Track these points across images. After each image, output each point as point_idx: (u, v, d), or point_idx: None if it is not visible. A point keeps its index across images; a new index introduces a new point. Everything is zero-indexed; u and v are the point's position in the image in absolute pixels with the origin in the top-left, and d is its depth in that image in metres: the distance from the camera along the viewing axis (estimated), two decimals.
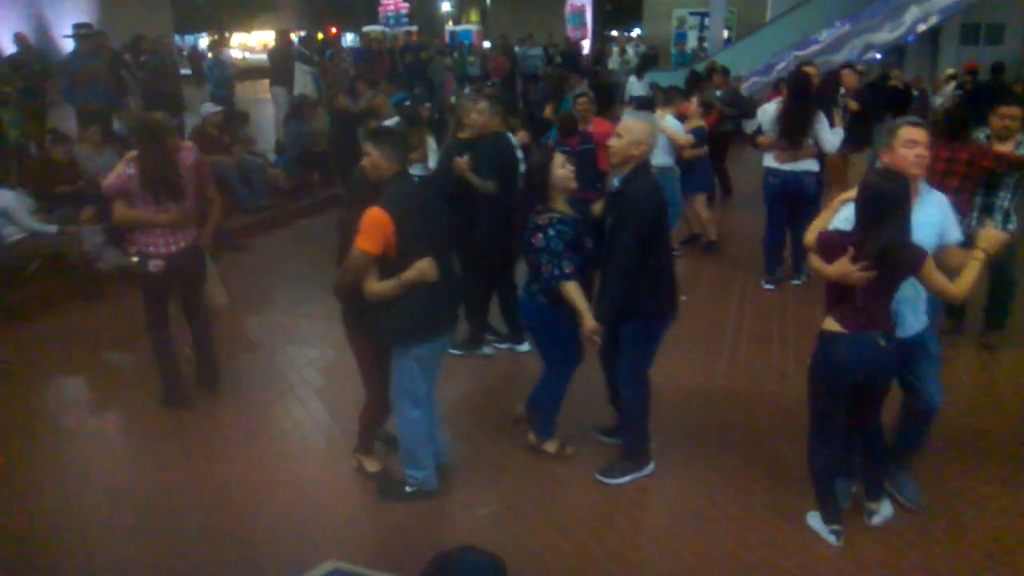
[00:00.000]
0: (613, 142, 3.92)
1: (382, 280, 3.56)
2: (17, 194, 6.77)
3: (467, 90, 15.07)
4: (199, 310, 5.12)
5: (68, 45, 10.51)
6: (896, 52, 16.86)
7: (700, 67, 15.14)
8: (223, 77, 12.76)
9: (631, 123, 3.91)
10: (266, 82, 14.82)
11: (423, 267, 3.55)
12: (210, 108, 9.33)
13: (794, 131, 6.59)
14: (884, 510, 3.77)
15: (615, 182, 3.97)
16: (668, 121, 7.45)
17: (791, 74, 7.56)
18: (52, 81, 10.47)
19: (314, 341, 6.04)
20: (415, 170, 6.66)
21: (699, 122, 7.94)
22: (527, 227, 3.98)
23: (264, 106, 15.05)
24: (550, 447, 4.39)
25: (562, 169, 3.93)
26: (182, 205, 4.68)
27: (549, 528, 3.82)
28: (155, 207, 4.59)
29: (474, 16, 31.82)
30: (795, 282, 7.16)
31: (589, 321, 3.80)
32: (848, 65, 9.30)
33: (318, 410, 5.03)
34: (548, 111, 9.89)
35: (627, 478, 4.16)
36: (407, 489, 4.00)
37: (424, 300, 3.61)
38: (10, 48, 11.54)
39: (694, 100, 8.32)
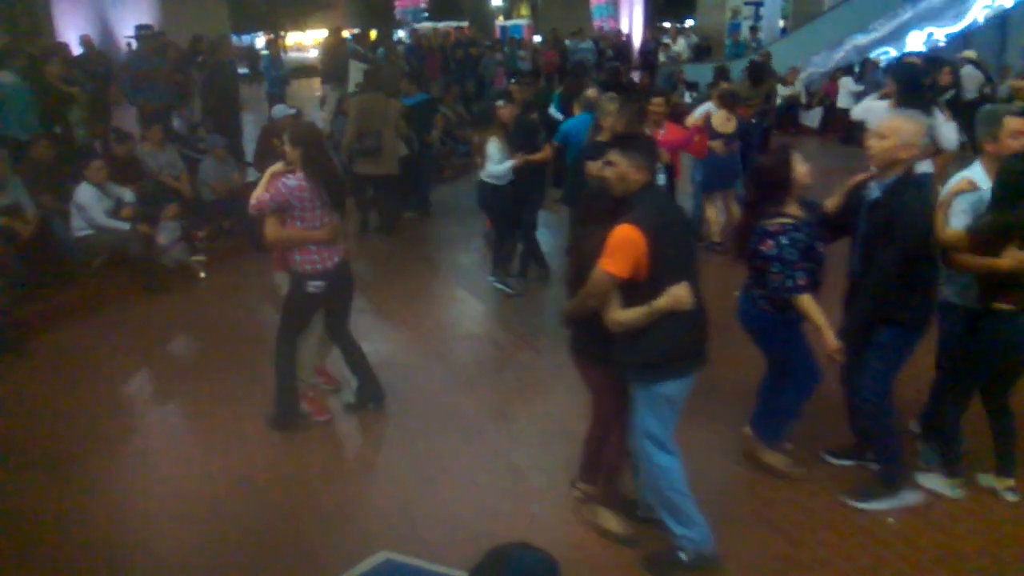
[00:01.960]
0: (875, 143, 3.53)
1: (626, 307, 3.15)
2: (96, 191, 6.98)
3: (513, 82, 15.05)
4: (347, 325, 4.87)
5: (130, 46, 10.81)
6: (961, 39, 16.25)
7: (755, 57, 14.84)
8: (278, 76, 13.00)
9: (899, 122, 3.52)
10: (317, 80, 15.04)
11: (679, 293, 3.08)
12: (283, 110, 9.34)
13: None
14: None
15: (875, 189, 3.60)
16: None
17: (898, 66, 6.95)
18: (115, 81, 10.79)
19: (368, 335, 6.13)
20: (485, 175, 6.63)
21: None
22: (753, 232, 3.66)
23: (316, 103, 15.27)
24: (770, 458, 4.09)
25: (803, 167, 3.60)
26: (334, 218, 4.47)
27: None
28: (313, 221, 4.34)
29: (524, 11, 31.75)
30: None
31: (831, 339, 3.51)
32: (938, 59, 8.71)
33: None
34: (577, 110, 9.60)
35: (882, 504, 3.81)
36: (682, 557, 3.38)
37: (676, 330, 3.16)
38: (77, 50, 11.91)
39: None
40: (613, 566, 3.53)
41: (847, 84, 14.03)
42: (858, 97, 13.66)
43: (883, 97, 6.39)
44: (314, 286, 4.41)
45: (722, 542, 3.47)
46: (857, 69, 15.15)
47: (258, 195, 4.29)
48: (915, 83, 6.11)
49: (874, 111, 6.25)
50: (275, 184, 4.28)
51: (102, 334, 6.42)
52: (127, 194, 7.22)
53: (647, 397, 3.27)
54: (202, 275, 7.63)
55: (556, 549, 1.73)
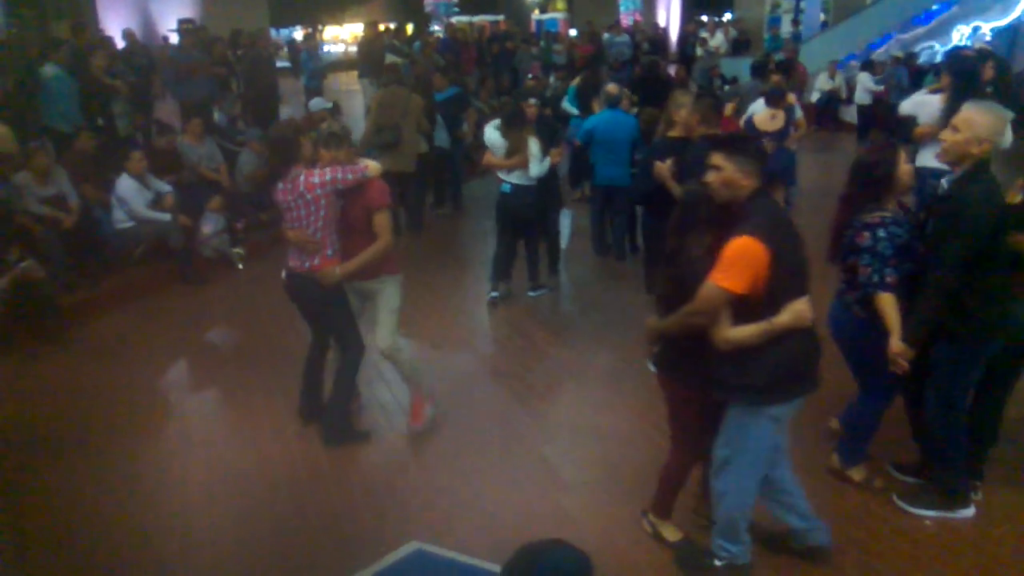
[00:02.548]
0: (947, 136, 3.40)
1: (736, 324, 2.93)
2: (137, 183, 7.09)
3: (552, 78, 15.00)
4: (325, 342, 4.78)
5: (172, 40, 10.97)
6: (1009, 33, 15.84)
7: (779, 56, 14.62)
8: (316, 69, 13.11)
9: (973, 114, 3.36)
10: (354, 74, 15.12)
11: (800, 309, 2.89)
12: (319, 104, 9.37)
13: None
14: None
15: (944, 184, 3.51)
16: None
17: (953, 59, 6.65)
18: (158, 74, 10.97)
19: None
20: (516, 178, 6.34)
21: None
22: (851, 225, 3.53)
23: (352, 97, 15.36)
24: (856, 474, 3.98)
25: (907, 165, 3.46)
26: (305, 230, 4.36)
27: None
28: (290, 222, 4.34)
29: (560, 4, 31.56)
30: None
31: (896, 341, 3.37)
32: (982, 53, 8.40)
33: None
34: (597, 107, 9.00)
35: (932, 512, 3.72)
36: (716, 563, 3.35)
37: (792, 349, 2.95)
38: (120, 44, 12.13)
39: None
40: (644, 563, 3.52)
41: (864, 80, 13.71)
42: (875, 95, 13.42)
43: (935, 91, 6.13)
44: (283, 273, 4.49)
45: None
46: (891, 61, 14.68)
47: None
48: (971, 77, 5.83)
49: (926, 105, 6.05)
50: None
51: (141, 323, 6.54)
52: (165, 187, 7.33)
53: (751, 418, 3.07)
54: (240, 266, 7.74)
55: (586, 544, 1.72)
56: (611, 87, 7.73)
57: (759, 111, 7.69)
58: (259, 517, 3.91)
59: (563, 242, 7.87)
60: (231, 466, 4.37)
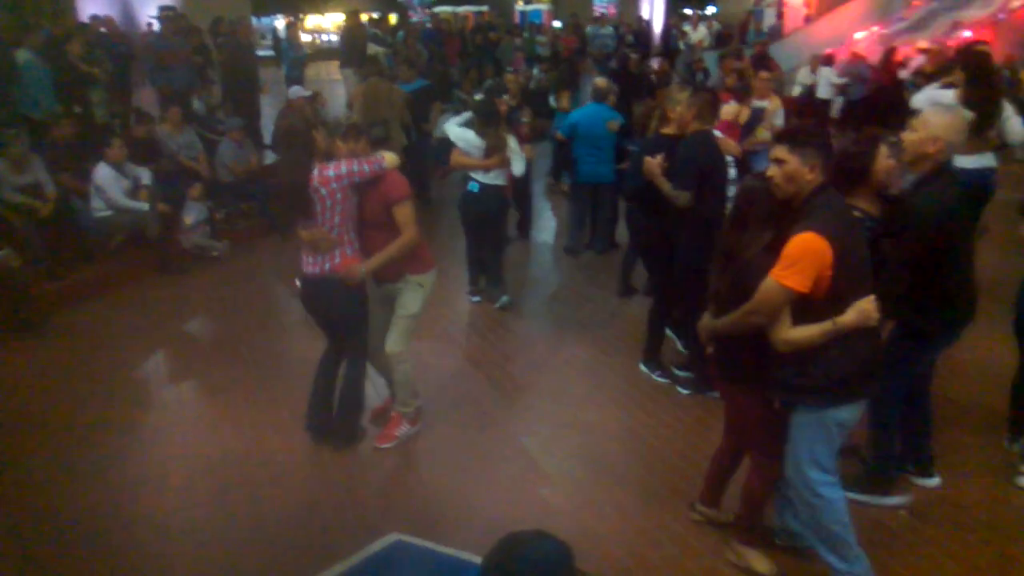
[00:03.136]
0: (905, 135, 3.44)
1: (797, 323, 2.83)
2: (114, 171, 7.01)
3: (535, 70, 14.97)
4: (340, 348, 4.48)
5: (152, 27, 10.84)
6: (988, 29, 15.99)
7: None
8: (296, 58, 12.99)
9: (929, 114, 3.43)
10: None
11: (866, 308, 2.80)
12: (298, 91, 9.28)
13: (978, 121, 5.46)
14: None
15: (907, 183, 3.52)
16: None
17: (966, 54, 6.46)
18: (137, 62, 10.84)
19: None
20: (490, 178, 6.07)
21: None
22: None
23: (335, 87, 15.25)
24: None
25: (888, 161, 3.37)
26: (320, 227, 4.10)
27: None
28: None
29: None
30: None
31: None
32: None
33: (382, 385, 5.11)
34: (564, 102, 9.13)
35: (863, 497, 3.76)
36: None
37: (856, 349, 2.86)
38: (99, 31, 11.96)
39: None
40: (625, 555, 3.53)
41: (827, 74, 13.76)
42: (839, 88, 13.48)
43: (947, 86, 6.00)
44: (297, 281, 4.27)
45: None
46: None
47: None
48: (986, 72, 5.75)
49: (937, 100, 5.79)
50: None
51: (119, 314, 6.47)
52: (144, 174, 7.25)
53: (817, 423, 2.95)
54: (215, 254, 7.65)
55: (567, 535, 1.72)
56: (599, 80, 7.68)
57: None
58: (238, 509, 3.88)
59: (551, 237, 7.79)
60: (209, 458, 4.33)
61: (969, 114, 3.90)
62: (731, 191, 4.60)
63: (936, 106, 3.54)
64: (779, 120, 7.38)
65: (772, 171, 2.90)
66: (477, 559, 1.75)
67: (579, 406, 4.86)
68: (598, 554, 3.50)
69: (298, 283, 4.25)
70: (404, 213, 4.10)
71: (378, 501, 3.93)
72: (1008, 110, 5.73)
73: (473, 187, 6.16)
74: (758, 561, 3.34)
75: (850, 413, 2.97)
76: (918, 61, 12.62)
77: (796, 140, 2.89)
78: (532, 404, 4.96)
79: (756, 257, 2.89)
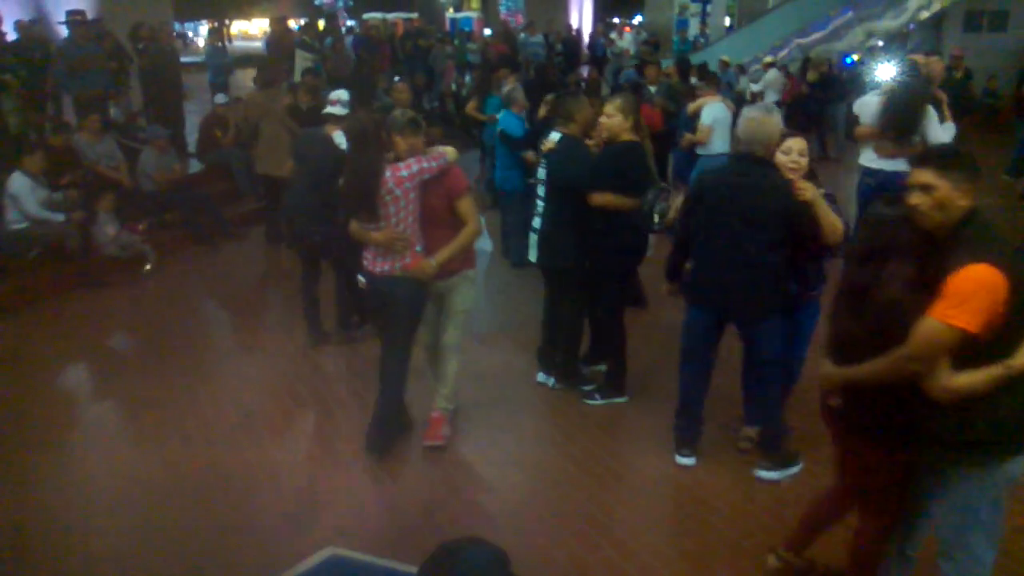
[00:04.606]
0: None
1: (958, 368, 2.47)
2: (32, 182, 6.74)
3: (467, 78, 14.97)
4: (398, 348, 4.33)
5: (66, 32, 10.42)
6: (899, 39, 16.75)
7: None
8: (220, 65, 12.72)
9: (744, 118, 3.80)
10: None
11: None
12: (221, 99, 9.20)
13: (903, 126, 5.77)
14: None
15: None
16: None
17: (902, 62, 6.73)
18: (50, 69, 10.41)
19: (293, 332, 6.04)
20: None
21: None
22: None
23: None
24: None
25: (783, 157, 3.65)
26: (391, 225, 4.05)
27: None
28: (375, 221, 4.04)
29: (475, 3, 31.60)
30: None
31: None
32: (933, 52, 8.57)
33: (318, 396, 5.04)
34: (471, 107, 9.35)
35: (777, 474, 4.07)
36: None
37: None
38: (11, 36, 11.46)
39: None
40: (564, 560, 3.55)
41: (743, 84, 14.15)
42: (754, 97, 13.91)
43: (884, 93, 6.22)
44: (360, 279, 4.25)
45: None
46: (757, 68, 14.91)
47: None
48: (909, 80, 6.08)
49: (868, 105, 6.19)
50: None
51: (36, 329, 6.21)
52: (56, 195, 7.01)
53: (983, 480, 2.60)
54: (147, 267, 7.42)
55: (505, 541, 1.73)
56: (507, 88, 7.78)
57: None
58: (167, 527, 3.76)
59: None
60: (135, 477, 4.19)
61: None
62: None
63: (751, 110, 3.83)
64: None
65: (918, 199, 2.54)
66: (414, 569, 1.73)
67: (515, 413, 4.86)
68: (536, 561, 3.50)
69: (365, 282, 4.21)
70: (467, 205, 4.19)
71: (311, 514, 3.86)
72: (932, 117, 5.85)
73: None
74: None
75: (1020, 466, 2.62)
76: None
77: (944, 162, 2.54)
78: (466, 411, 4.93)
79: (900, 295, 2.55)
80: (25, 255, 6.91)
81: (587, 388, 4.96)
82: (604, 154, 4.64)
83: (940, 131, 5.87)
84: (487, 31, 23.98)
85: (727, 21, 22.86)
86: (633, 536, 3.67)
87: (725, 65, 12.46)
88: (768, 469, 4.09)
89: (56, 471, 4.29)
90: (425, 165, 4.01)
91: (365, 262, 4.18)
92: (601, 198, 4.48)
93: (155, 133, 8.37)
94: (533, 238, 4.82)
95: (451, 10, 30.92)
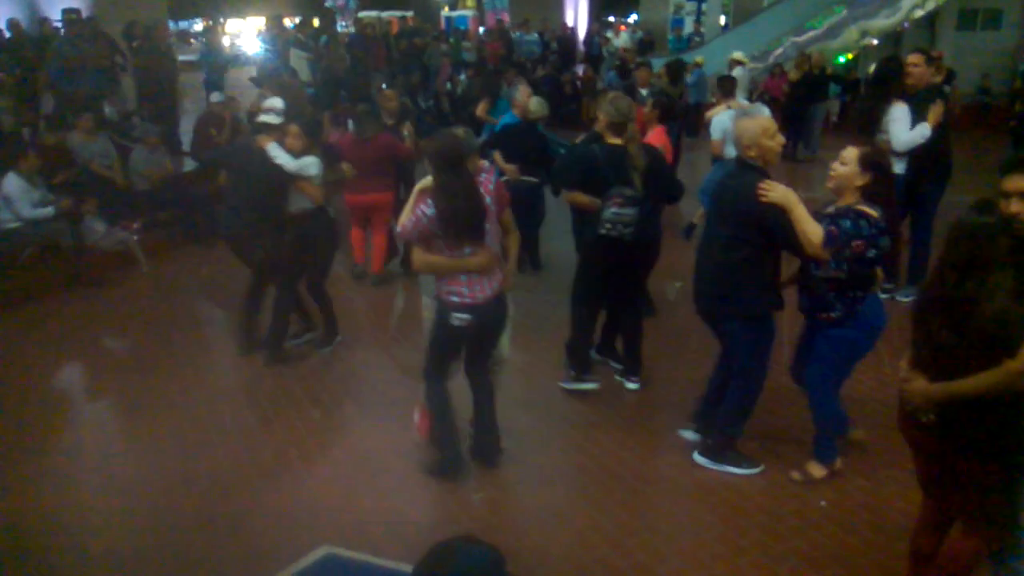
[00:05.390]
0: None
1: None
2: (25, 183, 6.72)
3: (463, 76, 14.96)
4: (487, 363, 4.22)
5: (59, 31, 10.40)
6: (893, 38, 16.75)
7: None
8: (216, 63, 12.71)
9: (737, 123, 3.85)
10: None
11: None
12: (218, 97, 9.20)
13: (863, 123, 5.76)
14: None
15: None
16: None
17: (880, 60, 6.85)
18: (44, 67, 10.38)
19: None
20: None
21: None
22: None
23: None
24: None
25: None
26: (488, 245, 3.86)
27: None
28: (459, 250, 3.73)
29: (470, 1, 31.55)
30: (903, 298, 5.93)
31: None
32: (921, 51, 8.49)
33: (312, 395, 5.03)
34: (481, 109, 9.36)
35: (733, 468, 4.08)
36: None
37: None
38: (5, 34, 11.43)
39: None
40: (558, 556, 3.56)
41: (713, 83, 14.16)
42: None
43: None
44: (459, 318, 3.81)
45: None
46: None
47: (402, 219, 3.81)
48: (882, 80, 6.12)
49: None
50: (416, 209, 3.71)
51: (31, 329, 6.19)
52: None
53: None
54: (143, 269, 7.40)
55: (500, 540, 1.73)
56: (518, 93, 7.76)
57: None
58: (162, 527, 3.76)
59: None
60: (130, 479, 4.18)
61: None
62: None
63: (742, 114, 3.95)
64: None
65: (1018, 206, 2.51)
66: (408, 569, 1.74)
67: (509, 412, 4.83)
68: (531, 559, 3.50)
69: (466, 317, 3.82)
70: (510, 215, 4.21)
71: (306, 514, 3.86)
72: (895, 115, 5.68)
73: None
74: None
75: None
76: None
77: None
78: (459, 409, 4.92)
79: (1007, 306, 2.47)
80: (18, 255, 6.88)
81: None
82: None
83: (901, 130, 5.64)
84: (482, 30, 23.93)
85: (722, 19, 22.83)
86: (630, 535, 3.67)
87: (735, 63, 12.36)
88: (703, 455, 4.15)
89: (52, 471, 4.28)
90: (493, 178, 4.03)
91: (455, 298, 3.79)
92: (568, 196, 4.72)
93: (147, 131, 8.35)
94: None
95: (446, 8, 30.88)
